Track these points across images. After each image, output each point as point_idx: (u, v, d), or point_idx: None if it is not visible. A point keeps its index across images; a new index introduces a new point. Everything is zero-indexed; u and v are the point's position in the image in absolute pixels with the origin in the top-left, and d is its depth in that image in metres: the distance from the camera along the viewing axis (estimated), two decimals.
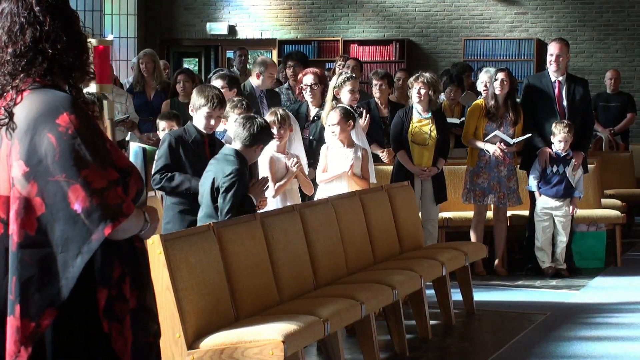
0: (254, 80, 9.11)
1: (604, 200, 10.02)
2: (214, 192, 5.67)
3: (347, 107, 7.48)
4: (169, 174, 6.02)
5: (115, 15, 15.51)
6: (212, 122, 6.11)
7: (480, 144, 8.77)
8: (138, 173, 3.06)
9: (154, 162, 5.96)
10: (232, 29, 16.13)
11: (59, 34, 2.97)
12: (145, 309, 3.07)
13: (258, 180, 5.97)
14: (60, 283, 2.88)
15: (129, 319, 2.99)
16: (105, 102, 4.13)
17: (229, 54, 15.91)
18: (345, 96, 7.83)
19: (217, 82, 7.77)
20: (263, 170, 6.75)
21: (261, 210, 6.26)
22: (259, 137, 5.80)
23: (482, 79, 9.53)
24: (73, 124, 2.85)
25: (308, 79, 8.25)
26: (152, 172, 5.95)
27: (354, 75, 8.16)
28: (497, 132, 8.63)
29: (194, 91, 6.37)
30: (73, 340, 2.94)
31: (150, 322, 3.12)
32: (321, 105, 8.15)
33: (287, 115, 7.06)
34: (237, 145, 5.81)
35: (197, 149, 6.09)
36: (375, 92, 9.26)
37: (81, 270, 2.89)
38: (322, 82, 8.30)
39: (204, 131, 6.12)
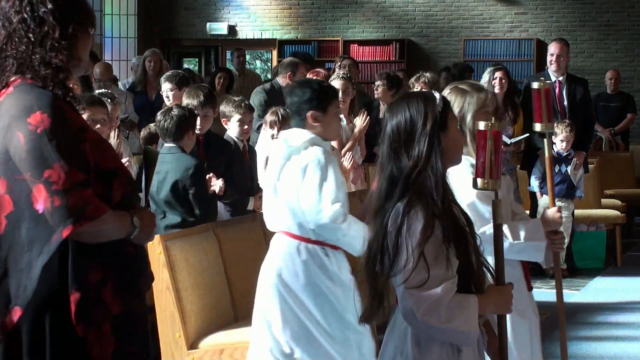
0: (282, 80, 9.00)
1: (604, 200, 10.02)
2: (182, 192, 5.53)
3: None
4: None
5: (115, 15, 15.51)
6: (198, 121, 6.06)
7: None
8: (126, 176, 3.00)
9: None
10: (232, 29, 16.13)
11: (54, 37, 2.94)
12: (131, 315, 3.00)
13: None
14: (24, 282, 2.86)
15: (109, 325, 2.93)
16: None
17: (229, 54, 15.91)
18: None
19: (165, 85, 7.75)
20: (260, 170, 6.73)
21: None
22: (183, 125, 5.66)
23: (485, 79, 9.46)
24: (43, 124, 2.81)
25: None
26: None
27: (346, 74, 8.08)
28: None
29: (184, 94, 6.37)
30: (43, 341, 2.90)
31: (138, 330, 3.05)
32: None
33: (287, 115, 7.02)
34: (170, 142, 5.69)
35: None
36: (377, 94, 9.22)
37: (57, 271, 2.86)
38: None
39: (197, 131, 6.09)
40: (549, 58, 9.10)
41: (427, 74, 8.54)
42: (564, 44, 9.10)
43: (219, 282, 5.14)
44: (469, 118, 4.10)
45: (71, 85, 3.16)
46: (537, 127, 4.36)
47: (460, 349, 2.96)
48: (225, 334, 4.93)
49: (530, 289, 4.22)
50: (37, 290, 2.87)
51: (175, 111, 5.71)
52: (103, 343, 2.92)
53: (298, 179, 4.26)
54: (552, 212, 4.18)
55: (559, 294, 4.39)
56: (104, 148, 2.98)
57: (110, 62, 12.54)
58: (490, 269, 3.07)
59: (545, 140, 4.42)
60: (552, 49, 9.05)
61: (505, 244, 3.99)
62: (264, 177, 6.78)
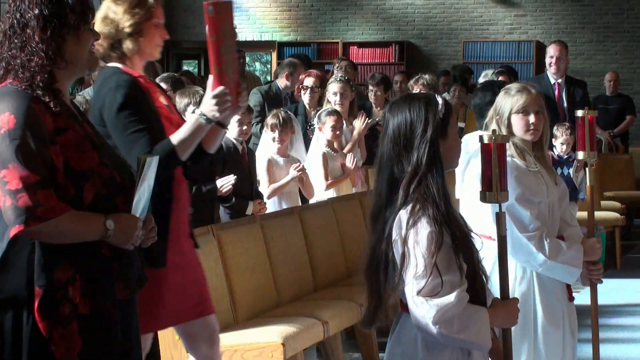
0: (281, 82, 8.99)
1: (603, 203, 10.01)
2: None
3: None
4: None
5: None
6: None
7: None
8: (102, 178, 2.99)
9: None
10: None
11: (34, 40, 2.98)
12: (103, 317, 2.99)
13: None
14: None
15: (76, 325, 2.93)
16: None
17: None
18: (331, 98, 7.78)
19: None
20: (261, 173, 6.73)
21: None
22: None
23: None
24: (8, 125, 2.87)
25: (309, 81, 8.23)
26: None
27: (344, 77, 8.08)
28: None
29: (177, 96, 6.33)
30: (3, 339, 2.92)
31: (111, 332, 3.02)
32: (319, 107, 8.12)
33: (289, 117, 7.02)
34: None
35: None
36: (371, 98, 9.21)
37: (25, 268, 2.90)
38: (323, 85, 8.27)
39: None
40: (548, 60, 9.10)
41: (426, 76, 8.54)
42: (563, 46, 9.12)
43: (218, 284, 5.14)
44: (504, 117, 4.13)
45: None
46: (580, 155, 4.35)
47: (470, 351, 2.96)
48: (225, 337, 4.92)
49: (571, 299, 4.23)
50: (3, 287, 2.92)
51: None
52: (69, 342, 2.92)
53: (477, 185, 4.20)
54: (592, 242, 4.17)
55: (594, 301, 4.42)
56: (84, 149, 2.99)
57: None
58: (486, 275, 3.05)
59: (587, 169, 4.40)
60: (552, 51, 9.06)
61: (540, 258, 4.00)
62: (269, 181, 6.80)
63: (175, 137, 3.70)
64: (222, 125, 3.81)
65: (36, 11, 2.98)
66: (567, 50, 9.17)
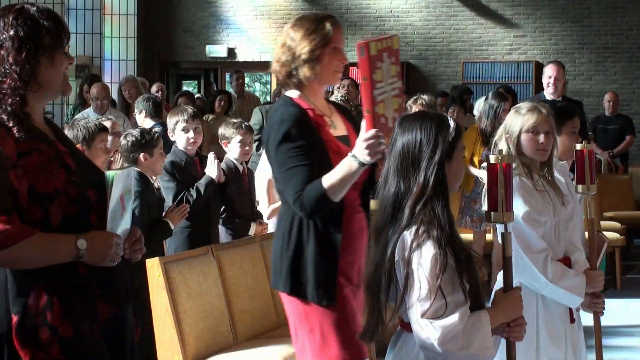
0: None
1: (603, 223, 10.00)
2: None
3: None
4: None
5: (115, 38, 15.56)
6: (191, 134, 6.02)
7: (475, 171, 8.63)
8: (70, 197, 2.94)
9: (167, 193, 5.88)
10: (231, 52, 16.17)
11: (7, 62, 2.95)
12: (86, 339, 2.97)
13: (177, 207, 5.78)
14: None
15: (57, 349, 2.91)
16: None
17: (228, 76, 15.94)
18: None
19: (136, 109, 7.83)
20: (260, 192, 6.72)
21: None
22: (137, 147, 5.56)
23: (490, 104, 9.17)
24: None
25: None
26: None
27: (345, 97, 8.06)
28: None
29: (168, 116, 6.34)
30: None
31: (97, 353, 3.00)
32: None
33: None
34: (129, 165, 5.56)
35: (190, 171, 6.05)
36: None
37: (3, 295, 2.89)
38: None
39: (189, 148, 6.07)
40: (546, 80, 9.12)
41: (424, 96, 8.51)
42: (561, 66, 9.16)
43: (218, 305, 5.14)
44: (514, 136, 4.14)
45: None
46: (579, 188, 4.34)
47: None
48: (224, 357, 4.92)
49: (572, 321, 4.25)
50: None
51: (130, 136, 5.61)
52: None
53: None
54: (595, 274, 4.19)
55: (597, 329, 4.49)
56: (50, 170, 2.94)
57: (109, 84, 12.57)
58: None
59: (588, 202, 4.39)
60: (550, 71, 9.09)
61: (543, 281, 4.02)
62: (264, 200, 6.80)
63: (327, 180, 3.65)
64: None
65: (11, 32, 2.94)
66: (565, 71, 9.21)
